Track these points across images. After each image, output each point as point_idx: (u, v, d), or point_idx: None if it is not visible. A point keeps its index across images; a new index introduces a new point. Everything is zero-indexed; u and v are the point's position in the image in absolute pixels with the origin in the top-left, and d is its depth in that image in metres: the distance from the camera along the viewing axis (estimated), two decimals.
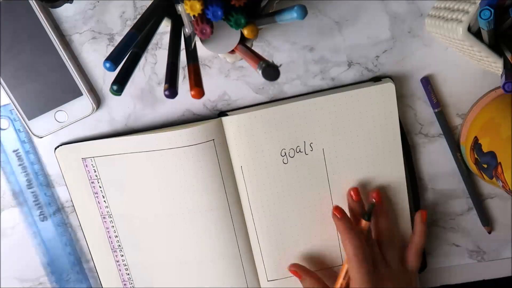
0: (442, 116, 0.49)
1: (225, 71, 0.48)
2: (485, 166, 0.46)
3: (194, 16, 0.33)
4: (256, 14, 0.37)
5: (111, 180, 0.49)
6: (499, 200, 0.53)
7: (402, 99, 0.49)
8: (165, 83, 0.30)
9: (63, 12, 0.46)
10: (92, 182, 0.48)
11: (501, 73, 0.38)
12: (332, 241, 0.51)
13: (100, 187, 0.49)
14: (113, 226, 0.50)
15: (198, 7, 0.32)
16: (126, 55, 0.30)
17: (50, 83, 0.46)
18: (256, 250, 0.51)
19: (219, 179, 0.49)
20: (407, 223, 0.51)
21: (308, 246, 0.51)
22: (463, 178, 0.52)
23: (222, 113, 0.49)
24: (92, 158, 0.48)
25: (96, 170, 0.48)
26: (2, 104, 0.47)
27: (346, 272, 0.48)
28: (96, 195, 0.49)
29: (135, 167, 0.48)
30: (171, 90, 0.30)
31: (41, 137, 0.48)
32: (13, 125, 0.48)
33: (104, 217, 0.49)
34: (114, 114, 0.49)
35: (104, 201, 0.49)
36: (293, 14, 0.30)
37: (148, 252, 0.51)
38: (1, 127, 0.48)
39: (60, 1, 0.43)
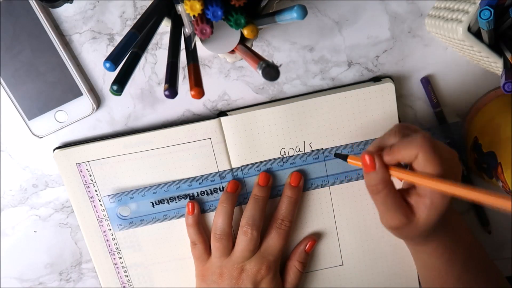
0: (442, 116, 0.49)
1: (225, 71, 0.48)
2: (485, 166, 0.46)
3: (194, 16, 0.33)
4: (256, 14, 0.37)
5: (108, 183, 0.48)
6: None
7: (402, 99, 0.49)
8: (165, 83, 0.30)
9: (63, 12, 0.46)
10: (88, 187, 0.48)
11: (501, 73, 0.38)
12: (331, 240, 0.51)
13: (96, 191, 0.49)
14: (110, 229, 0.50)
15: (198, 7, 0.32)
16: (126, 55, 0.30)
17: (50, 83, 0.46)
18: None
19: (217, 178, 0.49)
20: None
21: None
22: (463, 178, 0.52)
23: (222, 113, 0.49)
24: (87, 163, 0.48)
25: (91, 174, 0.48)
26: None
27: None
28: (92, 199, 0.49)
29: (132, 168, 0.48)
30: (171, 90, 0.30)
31: (41, 137, 0.48)
32: None
33: (100, 221, 0.49)
34: (114, 114, 0.49)
35: (101, 204, 0.49)
36: (293, 14, 0.30)
37: (147, 253, 0.51)
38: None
39: (60, 1, 0.43)
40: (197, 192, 0.49)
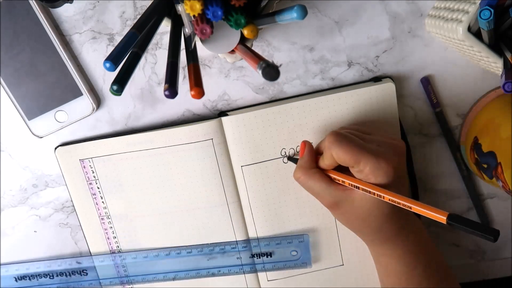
0: (442, 116, 0.49)
1: (225, 71, 0.48)
2: (485, 166, 0.46)
3: (194, 16, 0.33)
4: (256, 14, 0.37)
5: (110, 181, 0.49)
6: (499, 200, 0.53)
7: (402, 99, 0.49)
8: (165, 83, 0.30)
9: (63, 12, 0.46)
10: (90, 183, 0.48)
11: (501, 73, 0.38)
12: (332, 241, 0.51)
13: (98, 188, 0.49)
14: (111, 227, 0.50)
15: (198, 7, 0.32)
16: (126, 55, 0.30)
17: (50, 83, 0.46)
18: (255, 249, 0.51)
19: (218, 178, 0.49)
20: None
21: None
22: (463, 178, 0.52)
23: (222, 113, 0.49)
24: (90, 159, 0.48)
25: (94, 171, 0.48)
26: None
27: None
28: (94, 196, 0.49)
29: (134, 166, 0.48)
30: (171, 90, 0.30)
31: (41, 137, 0.48)
32: None
33: (102, 218, 0.49)
34: (114, 114, 0.49)
35: (103, 202, 0.49)
36: (293, 14, 0.30)
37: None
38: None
39: (60, 1, 0.43)
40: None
